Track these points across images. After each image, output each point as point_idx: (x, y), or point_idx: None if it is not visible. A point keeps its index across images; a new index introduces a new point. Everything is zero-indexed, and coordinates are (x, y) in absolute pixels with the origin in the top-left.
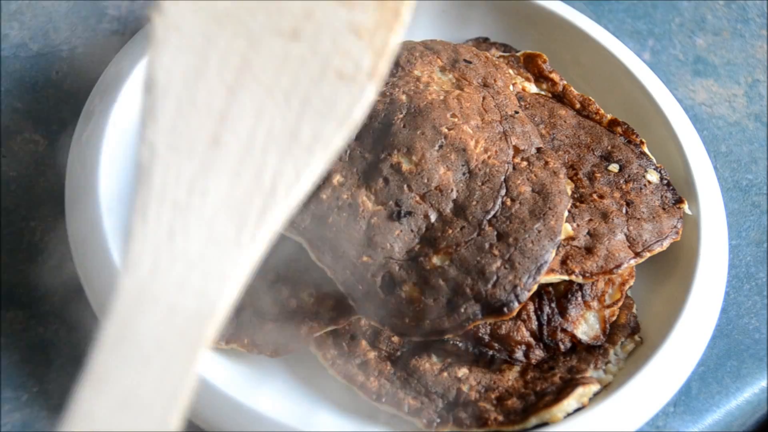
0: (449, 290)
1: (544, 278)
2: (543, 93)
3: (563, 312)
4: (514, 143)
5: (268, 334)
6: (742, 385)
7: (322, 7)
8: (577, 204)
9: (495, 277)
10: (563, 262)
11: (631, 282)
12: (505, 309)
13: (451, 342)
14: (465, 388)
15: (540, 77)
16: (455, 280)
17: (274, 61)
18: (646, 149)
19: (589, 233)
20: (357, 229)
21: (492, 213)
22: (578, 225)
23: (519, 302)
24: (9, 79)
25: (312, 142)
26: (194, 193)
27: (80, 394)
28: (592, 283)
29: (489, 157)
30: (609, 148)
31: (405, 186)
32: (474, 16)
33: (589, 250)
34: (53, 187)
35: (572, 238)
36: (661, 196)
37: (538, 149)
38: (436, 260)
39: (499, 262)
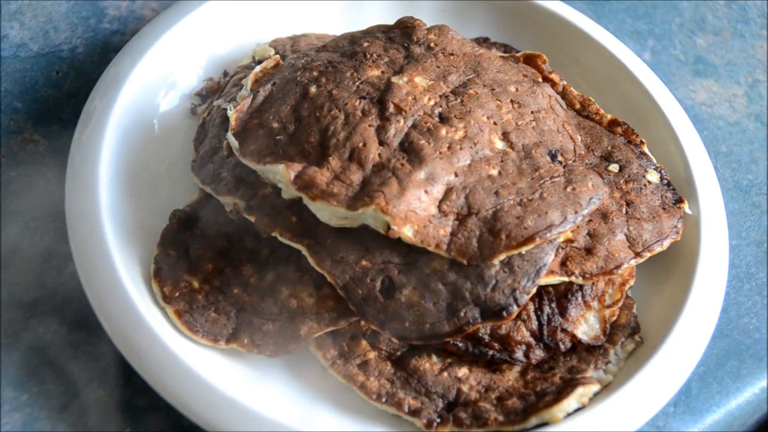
0: (449, 294)
1: (544, 280)
2: None
3: (563, 312)
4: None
5: (268, 334)
6: (742, 385)
7: None
8: None
9: (494, 281)
10: (563, 264)
11: (632, 282)
12: (504, 313)
13: (452, 342)
14: (465, 388)
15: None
16: (454, 284)
17: None
18: (646, 149)
19: (589, 234)
20: (355, 233)
21: None
22: (578, 226)
23: (518, 305)
24: (9, 79)
25: None
26: None
27: None
28: (593, 283)
29: None
30: (609, 148)
31: None
32: (474, 16)
33: (588, 251)
34: (53, 187)
35: (571, 241)
36: (662, 196)
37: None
38: (435, 264)
39: (498, 266)
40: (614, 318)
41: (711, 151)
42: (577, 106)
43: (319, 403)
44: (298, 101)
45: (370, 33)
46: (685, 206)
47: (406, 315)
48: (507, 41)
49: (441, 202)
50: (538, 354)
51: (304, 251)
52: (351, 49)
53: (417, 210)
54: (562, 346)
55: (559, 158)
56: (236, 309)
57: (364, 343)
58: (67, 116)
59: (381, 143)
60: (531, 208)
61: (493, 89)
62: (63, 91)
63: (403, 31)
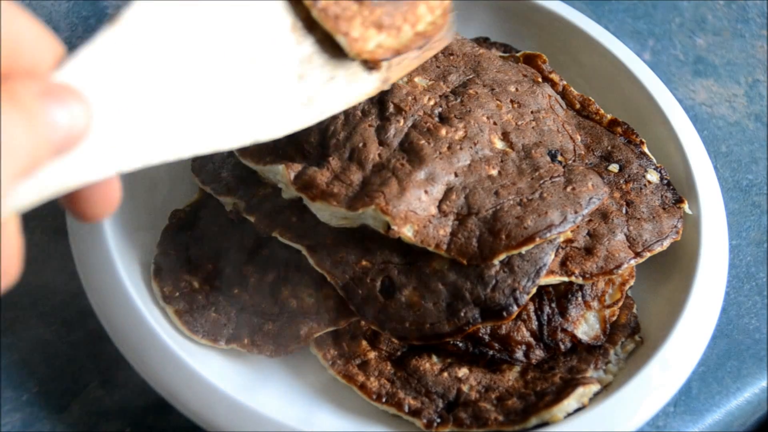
0: (449, 294)
1: (544, 280)
2: None
3: (563, 312)
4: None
5: (268, 335)
6: (742, 385)
7: None
8: None
9: (494, 281)
10: (563, 264)
11: (632, 282)
12: (504, 313)
13: (452, 342)
14: (465, 388)
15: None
16: (455, 284)
17: None
18: (646, 149)
19: (588, 234)
20: (355, 234)
21: None
22: (578, 226)
23: (518, 306)
24: None
25: None
26: None
27: None
28: (593, 283)
29: None
30: (609, 148)
31: None
32: (474, 16)
33: (588, 251)
34: None
35: (571, 241)
36: (662, 196)
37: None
38: (435, 264)
39: (498, 266)
40: (614, 318)
41: (711, 151)
42: (577, 106)
43: (319, 403)
44: None
45: None
46: (685, 206)
47: (406, 315)
48: (507, 41)
49: (441, 202)
50: (538, 354)
51: (304, 251)
52: None
53: (417, 210)
54: (562, 346)
55: (559, 158)
56: (236, 309)
57: (364, 343)
58: None
59: (381, 143)
60: (531, 208)
61: (493, 89)
62: None
63: None
